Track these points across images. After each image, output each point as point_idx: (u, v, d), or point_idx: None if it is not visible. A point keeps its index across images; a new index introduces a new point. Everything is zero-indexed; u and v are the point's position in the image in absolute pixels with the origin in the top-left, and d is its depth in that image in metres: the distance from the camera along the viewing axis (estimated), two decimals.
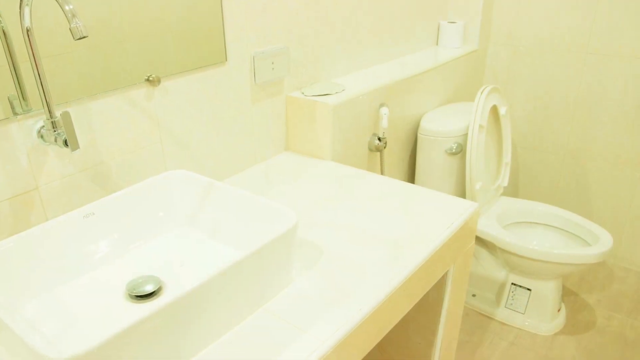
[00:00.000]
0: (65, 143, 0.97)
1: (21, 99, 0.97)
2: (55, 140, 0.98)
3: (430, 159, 2.01)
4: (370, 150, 1.78)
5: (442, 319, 1.37)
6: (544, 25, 2.34)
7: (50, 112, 0.96)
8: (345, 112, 1.58)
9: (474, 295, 2.27)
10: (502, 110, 2.12)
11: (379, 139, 1.76)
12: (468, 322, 2.17)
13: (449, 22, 2.28)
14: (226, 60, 1.35)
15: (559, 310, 2.14)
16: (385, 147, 1.79)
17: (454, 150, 1.97)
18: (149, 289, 0.93)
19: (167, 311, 0.75)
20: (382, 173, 1.86)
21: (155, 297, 0.92)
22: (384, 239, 1.16)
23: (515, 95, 2.53)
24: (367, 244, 1.14)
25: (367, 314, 0.95)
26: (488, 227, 2.05)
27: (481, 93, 1.97)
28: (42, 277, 0.93)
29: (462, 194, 2.12)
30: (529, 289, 2.09)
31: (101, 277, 0.98)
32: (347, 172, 1.48)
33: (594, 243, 2.00)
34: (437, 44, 2.33)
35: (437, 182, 2.04)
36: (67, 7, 0.84)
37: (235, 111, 1.43)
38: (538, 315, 2.10)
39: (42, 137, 1.01)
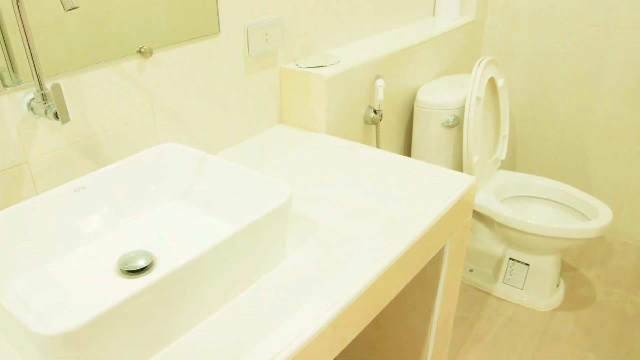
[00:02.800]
0: (56, 115, 0.95)
1: (11, 70, 0.96)
2: (46, 113, 0.96)
3: (426, 131, 1.99)
4: (366, 123, 1.76)
5: (439, 295, 1.36)
6: None
7: (40, 84, 0.94)
8: (340, 84, 1.56)
9: (471, 271, 2.28)
10: (500, 83, 2.09)
11: (375, 111, 1.74)
12: (465, 298, 2.18)
13: None
14: (219, 31, 1.33)
15: (557, 286, 2.14)
16: (381, 120, 1.77)
17: (450, 123, 1.95)
18: (140, 263, 0.92)
19: (159, 286, 0.74)
20: (377, 146, 1.84)
21: (147, 272, 0.91)
22: (380, 213, 1.15)
23: (513, 67, 2.51)
24: (363, 218, 1.13)
25: (363, 289, 0.94)
26: (486, 201, 2.04)
27: (478, 65, 1.95)
28: (33, 252, 0.92)
29: (459, 167, 2.11)
30: (527, 264, 2.08)
31: (92, 252, 0.97)
32: (343, 145, 1.47)
33: (593, 217, 2.00)
34: (433, 15, 2.29)
35: (434, 155, 2.03)
36: None
37: (229, 83, 1.40)
38: (536, 290, 2.11)
39: (32, 109, 0.99)
